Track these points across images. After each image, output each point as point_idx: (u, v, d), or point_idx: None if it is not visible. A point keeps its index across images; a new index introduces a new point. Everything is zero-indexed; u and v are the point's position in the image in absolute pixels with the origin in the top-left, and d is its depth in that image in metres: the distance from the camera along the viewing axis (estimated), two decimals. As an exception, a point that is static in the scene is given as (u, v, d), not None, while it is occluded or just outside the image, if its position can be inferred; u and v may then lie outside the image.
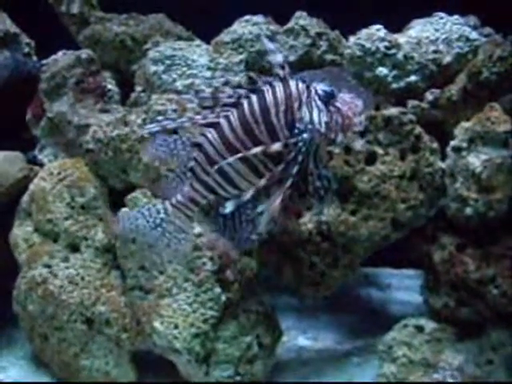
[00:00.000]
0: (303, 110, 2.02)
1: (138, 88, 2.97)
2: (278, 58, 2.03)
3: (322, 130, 2.02)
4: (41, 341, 2.72)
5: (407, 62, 2.88)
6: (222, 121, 2.05)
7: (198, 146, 2.07)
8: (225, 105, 2.05)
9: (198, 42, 3.05)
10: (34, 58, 3.33)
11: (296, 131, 2.01)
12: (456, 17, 2.97)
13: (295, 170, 2.01)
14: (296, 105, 2.02)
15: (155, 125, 2.07)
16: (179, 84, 2.82)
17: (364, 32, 2.89)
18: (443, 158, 2.60)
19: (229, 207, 2.00)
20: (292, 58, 2.98)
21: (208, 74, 2.85)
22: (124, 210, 2.58)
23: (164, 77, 2.86)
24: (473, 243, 2.53)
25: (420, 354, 2.51)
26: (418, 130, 2.57)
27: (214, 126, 2.05)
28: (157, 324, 2.48)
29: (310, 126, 2.01)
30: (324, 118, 2.01)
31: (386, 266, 3.54)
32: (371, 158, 2.56)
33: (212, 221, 2.22)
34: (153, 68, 2.88)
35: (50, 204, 2.73)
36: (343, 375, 2.72)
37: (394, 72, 2.88)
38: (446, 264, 2.54)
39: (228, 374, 2.50)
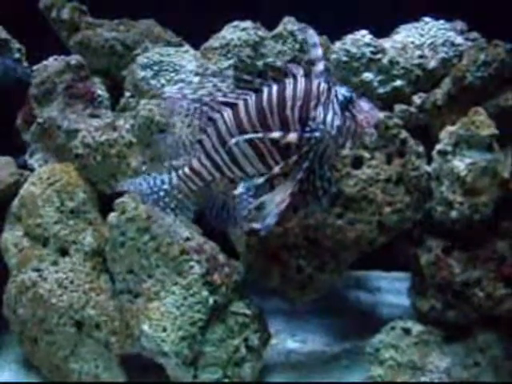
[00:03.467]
0: (319, 110, 2.06)
1: (127, 93, 2.99)
2: (319, 52, 2.08)
3: (333, 133, 2.05)
4: (31, 344, 2.73)
5: (393, 66, 2.90)
6: (240, 103, 2.10)
7: (213, 121, 2.11)
8: (246, 88, 2.11)
9: (186, 47, 3.08)
10: (25, 64, 3.36)
11: (308, 129, 2.06)
12: (442, 22, 3.00)
13: (305, 165, 2.04)
14: (313, 103, 2.06)
15: (177, 91, 2.13)
16: (167, 89, 2.84)
17: (349, 37, 2.92)
18: (429, 161, 2.62)
19: (240, 189, 2.06)
20: (280, 63, 3.01)
21: (196, 79, 2.88)
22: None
23: (152, 82, 2.89)
24: (459, 246, 2.55)
25: (407, 356, 2.52)
26: (404, 134, 2.59)
27: (232, 106, 2.10)
28: (145, 327, 2.49)
29: (321, 127, 2.04)
30: (337, 122, 2.05)
31: (376, 269, 3.55)
32: (357, 162, 2.58)
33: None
34: (141, 73, 2.91)
35: (39, 208, 2.74)
36: (332, 378, 2.72)
37: (380, 77, 2.91)
38: (432, 267, 2.56)
39: (216, 376, 2.52)
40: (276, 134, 2.03)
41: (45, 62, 3.11)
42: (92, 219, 2.78)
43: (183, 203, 2.24)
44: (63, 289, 2.65)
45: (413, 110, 2.89)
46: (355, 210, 2.55)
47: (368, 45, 2.90)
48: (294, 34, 3.05)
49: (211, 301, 2.52)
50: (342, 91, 2.06)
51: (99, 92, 3.07)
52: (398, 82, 2.91)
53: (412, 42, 2.95)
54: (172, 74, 2.88)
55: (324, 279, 2.65)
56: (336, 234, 2.56)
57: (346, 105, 2.05)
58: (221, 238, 2.69)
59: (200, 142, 2.16)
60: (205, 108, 2.12)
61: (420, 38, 2.95)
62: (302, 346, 2.95)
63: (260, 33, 3.06)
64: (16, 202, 2.83)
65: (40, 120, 3.03)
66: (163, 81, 2.88)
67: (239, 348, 2.55)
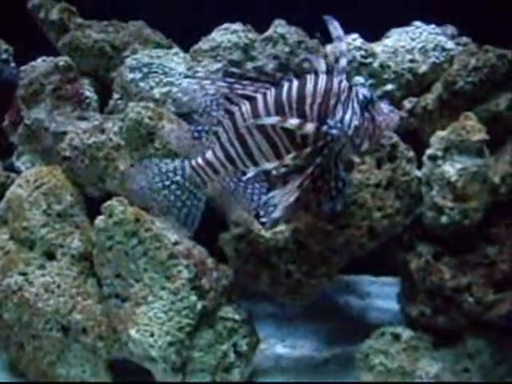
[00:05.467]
0: (338, 108, 2.03)
1: (116, 95, 2.98)
2: (343, 47, 2.05)
3: (350, 132, 2.03)
4: (17, 349, 2.70)
5: (383, 70, 2.90)
6: (259, 97, 2.07)
7: (230, 113, 2.08)
8: (267, 81, 2.06)
9: (176, 49, 3.06)
10: (13, 65, 3.33)
11: (326, 126, 2.03)
12: (432, 26, 3.00)
13: (318, 160, 2.01)
14: (333, 101, 2.04)
15: (195, 81, 2.10)
16: (156, 92, 2.83)
17: (340, 41, 2.91)
18: (419, 166, 2.61)
19: (250, 173, 2.05)
20: (270, 66, 3.00)
21: (185, 82, 2.86)
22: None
23: (141, 84, 2.87)
24: (449, 251, 2.54)
25: (397, 362, 2.50)
26: (395, 138, 2.58)
27: (250, 99, 2.07)
28: (133, 332, 2.46)
29: (338, 125, 2.01)
30: (355, 122, 2.03)
31: (366, 274, 3.54)
32: (348, 167, 2.55)
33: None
34: (130, 76, 2.89)
35: (26, 211, 2.70)
36: (321, 383, 2.72)
37: (371, 81, 2.91)
38: (422, 272, 2.55)
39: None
40: (294, 122, 1.99)
41: (33, 63, 3.08)
42: (79, 222, 2.75)
43: (195, 195, 2.22)
44: (50, 293, 2.62)
45: (403, 114, 2.89)
46: (345, 215, 2.53)
47: (359, 48, 2.90)
48: (285, 37, 3.03)
49: (199, 306, 2.49)
50: (363, 91, 2.05)
51: (87, 94, 3.05)
52: (389, 86, 2.92)
53: (403, 47, 2.95)
54: (161, 77, 2.86)
55: (313, 284, 2.63)
56: (326, 239, 2.54)
57: (366, 105, 2.03)
58: (209, 241, 2.67)
59: (215, 133, 2.13)
60: (221, 100, 2.10)
61: (411, 43, 2.95)
62: (292, 351, 2.93)
63: (250, 35, 3.05)
64: (2, 204, 2.80)
65: (27, 122, 3.00)
66: (152, 83, 2.86)
67: (228, 353, 2.53)
